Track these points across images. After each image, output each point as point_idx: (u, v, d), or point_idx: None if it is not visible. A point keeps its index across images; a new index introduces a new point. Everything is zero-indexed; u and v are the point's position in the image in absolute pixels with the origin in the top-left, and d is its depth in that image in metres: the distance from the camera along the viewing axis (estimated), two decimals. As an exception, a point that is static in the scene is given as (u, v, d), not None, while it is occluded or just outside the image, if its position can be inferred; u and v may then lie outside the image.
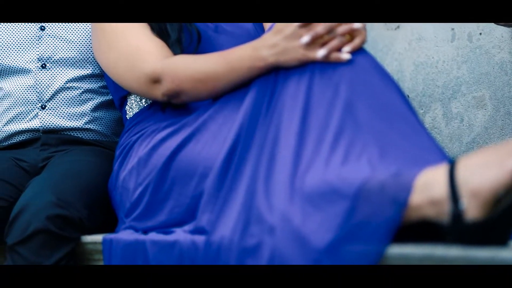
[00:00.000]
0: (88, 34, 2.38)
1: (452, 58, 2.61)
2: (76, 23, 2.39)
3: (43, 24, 2.38)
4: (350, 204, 1.54)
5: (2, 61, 2.38)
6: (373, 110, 1.71)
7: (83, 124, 2.37)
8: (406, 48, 2.47)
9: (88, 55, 2.39)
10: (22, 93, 2.36)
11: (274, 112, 1.77)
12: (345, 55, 1.77)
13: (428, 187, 1.49)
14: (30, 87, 2.36)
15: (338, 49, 1.79)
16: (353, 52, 1.79)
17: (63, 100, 2.36)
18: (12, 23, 2.40)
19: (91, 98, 2.39)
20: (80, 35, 2.40)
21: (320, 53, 1.77)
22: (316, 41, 1.79)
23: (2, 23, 2.40)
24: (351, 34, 1.82)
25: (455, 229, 1.46)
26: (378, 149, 1.64)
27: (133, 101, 2.20)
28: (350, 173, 1.59)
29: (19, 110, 2.36)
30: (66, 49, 2.38)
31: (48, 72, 2.37)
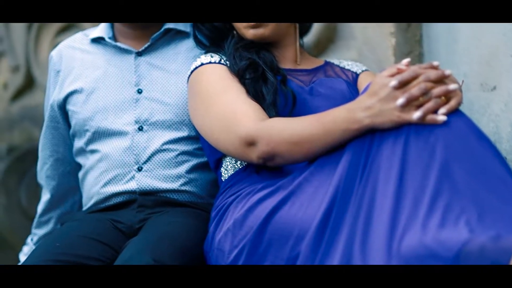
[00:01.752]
0: (184, 97, 2.40)
1: (550, 119, 2.55)
2: (173, 87, 2.42)
3: (140, 87, 2.42)
4: (449, 267, 1.52)
5: (100, 124, 2.41)
6: (470, 172, 1.70)
7: (179, 186, 2.39)
8: (502, 109, 2.43)
9: (184, 117, 2.40)
10: (119, 155, 2.39)
11: (370, 175, 1.77)
12: (441, 117, 1.77)
13: (529, 251, 1.46)
14: (127, 150, 2.39)
15: (434, 111, 1.78)
16: (449, 114, 1.78)
17: (159, 162, 2.39)
18: (110, 87, 2.44)
19: (187, 160, 2.41)
20: (176, 98, 2.42)
21: (416, 115, 1.77)
22: (412, 103, 1.79)
23: (101, 88, 2.44)
24: (447, 96, 1.81)
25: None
26: (476, 212, 1.62)
27: (228, 163, 2.22)
28: (448, 237, 1.57)
29: (116, 172, 2.39)
30: (163, 112, 2.40)
31: (144, 134, 2.39)
